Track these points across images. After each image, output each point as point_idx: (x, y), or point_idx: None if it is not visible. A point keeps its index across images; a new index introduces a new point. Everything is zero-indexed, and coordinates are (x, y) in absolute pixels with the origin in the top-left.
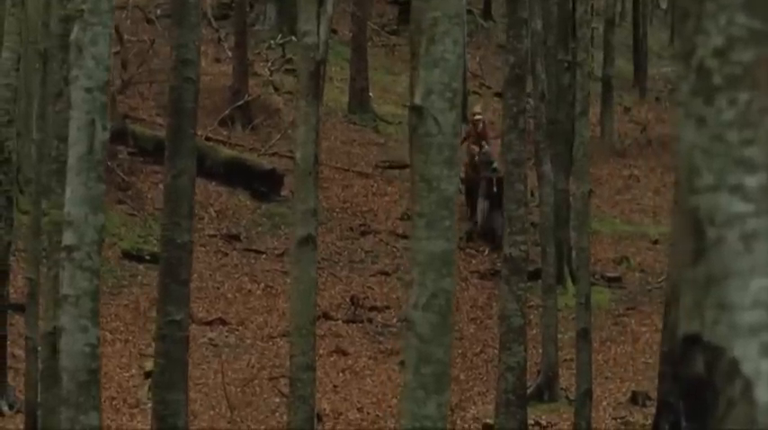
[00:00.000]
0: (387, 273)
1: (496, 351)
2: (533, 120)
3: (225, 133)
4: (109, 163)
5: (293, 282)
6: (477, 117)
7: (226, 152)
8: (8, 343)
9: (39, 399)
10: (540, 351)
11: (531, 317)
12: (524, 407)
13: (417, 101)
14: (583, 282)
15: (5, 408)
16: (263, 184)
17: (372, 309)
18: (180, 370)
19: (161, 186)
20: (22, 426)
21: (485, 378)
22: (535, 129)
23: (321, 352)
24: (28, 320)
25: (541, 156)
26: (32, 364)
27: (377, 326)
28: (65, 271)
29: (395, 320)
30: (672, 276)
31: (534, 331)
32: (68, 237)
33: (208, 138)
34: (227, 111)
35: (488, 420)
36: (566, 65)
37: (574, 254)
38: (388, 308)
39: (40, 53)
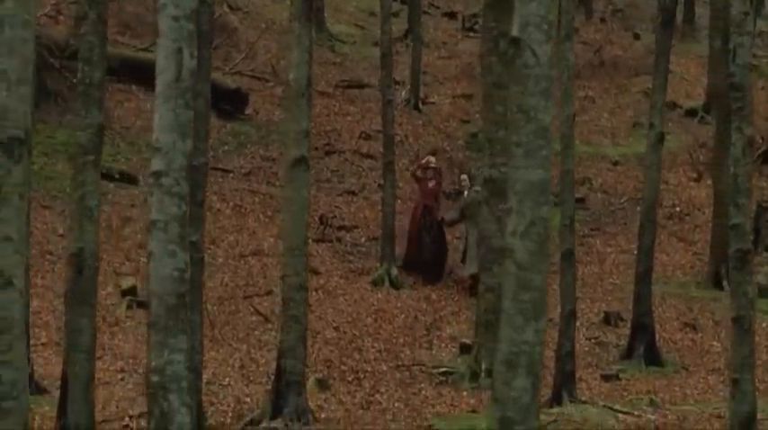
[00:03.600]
0: (353, 193)
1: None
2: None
3: None
4: (74, 81)
5: (285, 202)
6: (432, 165)
7: None
8: None
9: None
10: None
11: None
12: None
13: (515, 33)
14: (567, 205)
15: None
16: (228, 103)
17: (341, 228)
18: (197, 290)
19: (127, 104)
20: None
21: (456, 298)
22: None
23: None
24: None
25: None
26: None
27: (346, 246)
28: (153, 197)
29: (363, 240)
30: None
31: None
32: (157, 163)
33: None
34: None
35: (465, 340)
36: None
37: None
38: (356, 227)
39: None
